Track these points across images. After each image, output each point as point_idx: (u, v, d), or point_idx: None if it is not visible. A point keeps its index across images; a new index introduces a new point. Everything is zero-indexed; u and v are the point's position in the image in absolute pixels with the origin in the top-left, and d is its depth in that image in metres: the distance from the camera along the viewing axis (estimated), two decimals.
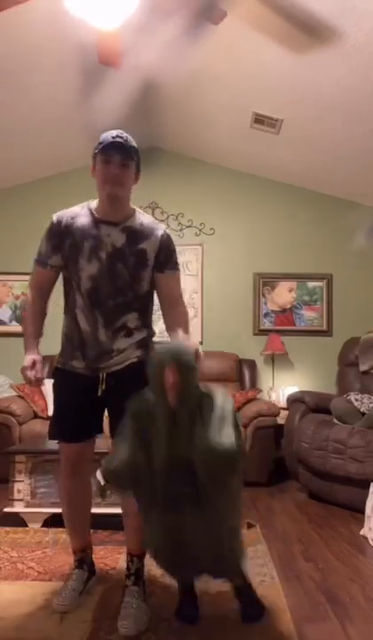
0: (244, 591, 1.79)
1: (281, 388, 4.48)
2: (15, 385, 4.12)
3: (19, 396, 3.96)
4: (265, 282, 4.76)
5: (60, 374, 2.03)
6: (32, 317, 2.08)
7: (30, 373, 2.01)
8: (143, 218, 1.93)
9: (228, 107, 3.81)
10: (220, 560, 1.61)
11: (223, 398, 1.61)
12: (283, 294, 4.75)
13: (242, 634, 1.66)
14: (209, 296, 4.75)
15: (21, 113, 3.77)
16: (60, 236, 1.88)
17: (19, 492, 2.75)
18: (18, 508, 2.74)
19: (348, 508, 3.04)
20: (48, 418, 3.85)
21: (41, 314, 2.08)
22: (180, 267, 2.00)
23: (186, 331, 1.85)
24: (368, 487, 2.72)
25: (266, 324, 4.72)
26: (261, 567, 2.19)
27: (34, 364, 2.01)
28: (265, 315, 4.74)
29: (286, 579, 2.09)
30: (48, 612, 1.79)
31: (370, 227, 4.41)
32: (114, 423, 1.81)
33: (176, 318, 1.91)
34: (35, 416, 3.90)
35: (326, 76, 3.17)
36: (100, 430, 1.96)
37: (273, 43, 2.90)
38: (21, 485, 2.75)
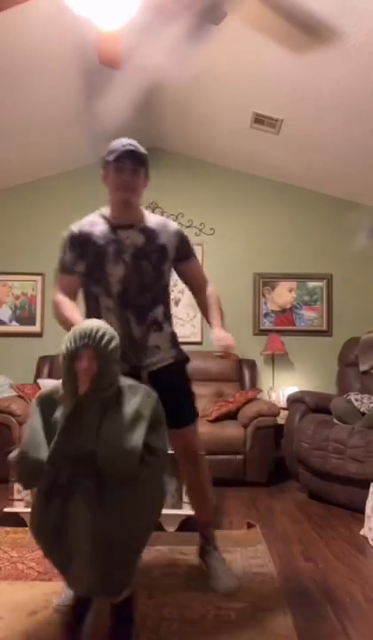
0: (124, 607, 1.54)
1: (281, 388, 4.48)
2: (15, 385, 4.12)
3: (19, 396, 3.96)
4: (265, 282, 4.76)
5: None
6: (70, 309, 1.89)
7: None
8: (153, 218, 2.05)
9: (228, 107, 3.81)
10: (112, 566, 1.41)
11: (143, 398, 1.49)
12: (283, 294, 4.75)
13: (242, 634, 1.66)
14: None
15: (21, 113, 3.77)
16: (82, 245, 1.93)
17: (19, 492, 2.75)
18: (18, 508, 2.74)
19: (348, 508, 3.04)
20: None
21: (77, 308, 1.94)
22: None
23: (219, 308, 2.05)
24: (368, 487, 2.72)
25: (266, 324, 4.72)
26: (261, 567, 2.19)
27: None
28: (265, 315, 4.74)
29: (286, 579, 2.09)
30: (48, 612, 1.79)
31: (370, 227, 4.41)
32: None
33: (209, 297, 2.09)
34: None
35: (326, 76, 3.17)
36: None
37: (273, 43, 2.90)
38: None
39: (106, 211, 1.99)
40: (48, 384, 4.13)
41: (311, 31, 2.74)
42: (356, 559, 2.34)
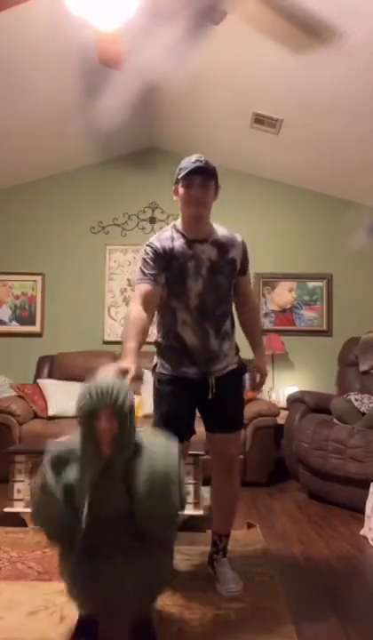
0: (146, 630, 1.59)
1: (281, 388, 4.48)
2: (15, 385, 4.12)
3: (19, 396, 3.96)
4: (265, 282, 4.76)
5: (172, 380, 2.02)
6: (136, 332, 1.86)
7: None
8: (221, 230, 2.13)
9: (228, 107, 3.81)
10: (141, 602, 1.54)
11: (167, 448, 1.47)
12: (283, 294, 4.75)
13: (242, 634, 1.66)
14: None
15: (21, 113, 3.77)
16: (166, 259, 1.98)
17: (19, 491, 2.75)
18: (18, 508, 2.74)
19: (348, 508, 3.04)
20: (48, 418, 3.85)
21: (144, 331, 1.91)
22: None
23: (260, 332, 2.21)
24: (368, 487, 2.72)
25: (266, 324, 4.72)
26: (261, 567, 2.19)
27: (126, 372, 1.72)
28: (265, 315, 4.74)
29: (286, 579, 2.09)
30: (48, 612, 1.79)
31: (370, 227, 4.41)
32: (211, 426, 2.08)
33: (252, 317, 2.23)
34: (35, 416, 3.90)
35: (326, 76, 3.17)
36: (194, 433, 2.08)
37: (273, 43, 2.90)
38: (21, 485, 2.75)
39: (179, 225, 2.06)
40: (48, 384, 4.14)
41: (311, 31, 2.74)
42: (356, 559, 2.34)
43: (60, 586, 1.94)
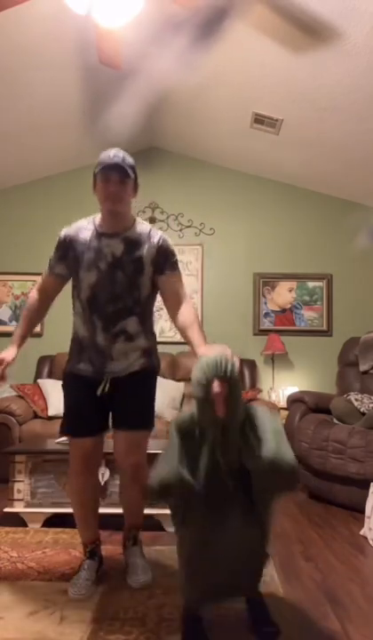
0: (259, 607, 1.72)
1: (281, 388, 4.48)
2: (15, 385, 4.12)
3: (19, 396, 3.96)
4: (265, 282, 4.76)
5: (69, 376, 2.10)
6: (25, 320, 2.17)
7: None
8: (142, 227, 2.05)
9: (228, 107, 3.81)
10: (253, 573, 1.67)
11: (270, 414, 1.65)
12: (283, 294, 4.75)
13: (242, 634, 1.66)
14: (209, 296, 4.75)
15: (21, 113, 3.78)
16: (65, 249, 2.05)
17: (19, 491, 2.75)
18: (18, 508, 2.74)
19: (348, 508, 3.04)
20: (48, 418, 3.85)
21: (36, 318, 2.20)
22: (181, 268, 2.09)
23: (199, 328, 1.94)
24: (368, 487, 2.72)
25: (266, 324, 4.72)
26: None
27: (1, 361, 2.03)
28: (265, 315, 4.74)
29: (286, 579, 2.09)
30: (48, 612, 1.79)
31: (370, 227, 4.41)
32: (115, 425, 2.03)
33: (186, 316, 1.98)
34: (35, 416, 3.90)
35: (326, 76, 3.17)
36: (106, 429, 2.07)
37: (273, 43, 2.90)
38: (21, 485, 2.75)
39: (98, 218, 2.05)
40: (48, 384, 4.14)
41: (311, 31, 2.74)
42: (356, 559, 2.34)
43: (60, 586, 1.96)
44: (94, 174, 1.96)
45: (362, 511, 2.70)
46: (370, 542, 2.52)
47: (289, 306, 4.74)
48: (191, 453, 1.56)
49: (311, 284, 4.74)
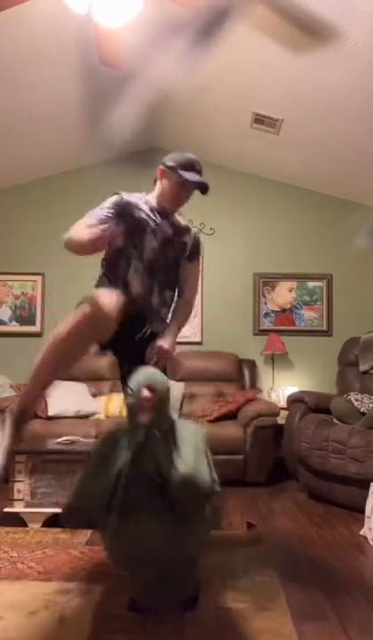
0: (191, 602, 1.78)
1: (281, 388, 4.48)
2: (15, 385, 4.12)
3: (19, 396, 3.95)
4: (265, 282, 4.76)
5: None
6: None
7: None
8: (179, 219, 2.29)
9: (228, 107, 3.81)
10: (183, 570, 1.70)
11: (195, 431, 1.77)
12: (283, 294, 4.75)
13: (242, 634, 1.66)
14: (209, 296, 4.75)
15: (21, 113, 3.78)
16: (122, 209, 2.10)
17: (19, 492, 2.75)
18: (18, 507, 2.74)
19: (348, 507, 3.04)
20: (48, 418, 3.85)
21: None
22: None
23: (178, 324, 2.21)
24: (368, 487, 2.72)
25: (266, 324, 4.72)
26: (261, 567, 2.19)
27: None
28: (265, 315, 4.74)
29: (286, 579, 2.09)
30: (48, 612, 1.79)
31: (370, 227, 4.41)
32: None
33: (178, 308, 2.24)
34: (36, 416, 3.90)
35: (326, 76, 3.17)
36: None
37: (273, 43, 2.90)
38: (21, 485, 2.75)
39: (149, 196, 2.21)
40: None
41: (311, 31, 2.74)
42: (356, 559, 2.34)
43: (60, 586, 1.96)
44: (172, 166, 2.13)
45: (362, 511, 2.70)
46: (370, 542, 2.52)
47: (289, 306, 4.74)
48: (114, 461, 1.67)
49: (311, 284, 4.74)
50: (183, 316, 2.26)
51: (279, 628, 1.68)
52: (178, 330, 2.23)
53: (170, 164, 2.14)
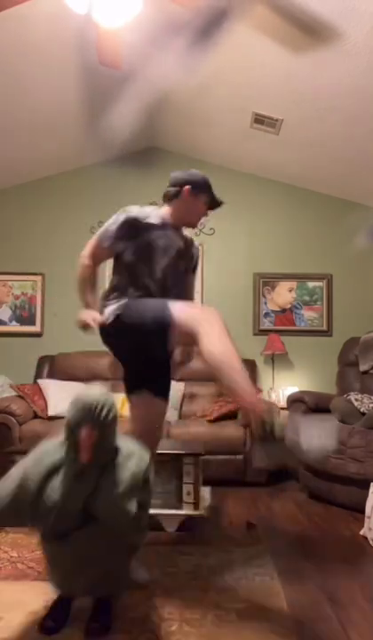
0: (101, 605, 1.73)
1: (281, 388, 4.48)
2: (15, 385, 4.12)
3: (19, 396, 3.96)
4: (265, 282, 4.76)
5: None
6: (87, 287, 2.24)
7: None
8: (185, 232, 2.34)
9: (228, 107, 3.81)
10: (105, 575, 1.67)
11: (137, 462, 1.64)
12: (283, 294, 4.75)
13: (242, 634, 1.66)
14: (209, 296, 4.75)
15: (21, 113, 3.77)
16: (132, 229, 2.14)
17: None
18: None
19: (348, 508, 3.03)
20: (48, 418, 3.85)
21: (95, 282, 2.29)
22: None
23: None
24: (368, 487, 2.72)
25: (266, 324, 4.72)
26: (261, 567, 2.19)
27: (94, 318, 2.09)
28: (265, 315, 4.74)
29: (286, 579, 2.09)
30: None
31: (370, 227, 4.41)
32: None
33: None
34: (35, 416, 3.90)
35: (326, 76, 3.17)
36: None
37: (273, 43, 2.90)
38: None
39: (162, 211, 2.25)
40: (48, 385, 4.14)
41: (311, 31, 2.74)
42: (356, 559, 2.34)
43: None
44: (199, 186, 2.26)
45: (362, 511, 2.70)
46: (370, 542, 2.52)
47: (289, 306, 4.74)
48: (40, 480, 1.58)
49: (311, 284, 4.74)
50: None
51: (279, 628, 1.68)
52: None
53: (198, 184, 2.26)
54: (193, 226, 2.30)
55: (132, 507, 1.56)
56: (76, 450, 1.55)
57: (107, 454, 1.60)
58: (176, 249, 2.20)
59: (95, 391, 1.62)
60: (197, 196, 2.23)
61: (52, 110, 3.81)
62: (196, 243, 2.42)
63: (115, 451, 1.64)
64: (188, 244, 2.31)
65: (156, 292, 2.13)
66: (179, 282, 2.24)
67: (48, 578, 1.74)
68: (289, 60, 3.05)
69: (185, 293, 2.30)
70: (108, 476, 1.58)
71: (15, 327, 4.74)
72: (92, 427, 1.53)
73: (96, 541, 1.58)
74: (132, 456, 1.64)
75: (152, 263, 2.15)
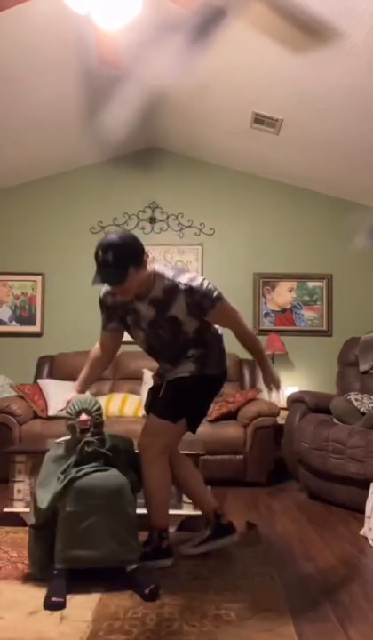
0: (138, 572, 1.97)
1: (280, 387, 4.48)
2: (15, 385, 4.12)
3: (19, 396, 3.96)
4: (265, 282, 4.76)
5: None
6: (87, 367, 2.38)
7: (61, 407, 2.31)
8: (163, 282, 2.05)
9: (228, 107, 3.81)
10: (125, 540, 1.98)
11: (126, 444, 2.23)
12: (283, 294, 4.75)
13: (242, 634, 1.66)
14: None
15: (21, 113, 3.77)
16: (107, 309, 2.21)
17: (19, 492, 2.75)
18: (18, 507, 2.74)
19: (348, 507, 3.04)
20: (48, 418, 3.85)
21: (97, 367, 2.39)
22: (202, 285, 2.06)
23: (256, 352, 2.31)
24: (368, 487, 2.72)
25: (266, 324, 4.72)
26: (261, 567, 2.19)
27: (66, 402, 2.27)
28: (265, 315, 4.74)
29: (286, 579, 2.09)
30: (48, 612, 1.79)
31: (370, 227, 4.41)
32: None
33: (243, 341, 2.27)
34: (35, 416, 3.90)
35: (326, 76, 3.17)
36: None
37: (273, 43, 2.90)
38: (21, 485, 2.75)
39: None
40: (48, 384, 4.14)
41: (311, 31, 2.74)
42: (356, 559, 2.34)
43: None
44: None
45: (362, 511, 2.70)
46: (370, 542, 2.52)
47: (289, 306, 4.74)
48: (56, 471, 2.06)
49: (311, 284, 4.74)
50: (250, 344, 2.27)
51: (279, 628, 1.68)
52: (261, 354, 2.31)
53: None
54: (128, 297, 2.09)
55: (129, 477, 2.06)
56: (78, 432, 2.09)
57: (98, 434, 2.11)
58: (147, 318, 2.11)
59: (87, 395, 2.28)
60: None
61: (52, 110, 3.81)
62: (181, 287, 2.03)
63: (109, 439, 2.17)
64: (162, 305, 2.06)
65: (151, 355, 2.30)
66: (169, 343, 2.16)
67: (56, 553, 1.96)
68: (289, 60, 3.05)
69: (189, 341, 2.16)
70: (103, 454, 2.10)
71: (15, 327, 4.74)
72: (88, 414, 2.10)
73: (100, 513, 1.95)
74: (117, 438, 2.20)
75: (134, 337, 2.24)
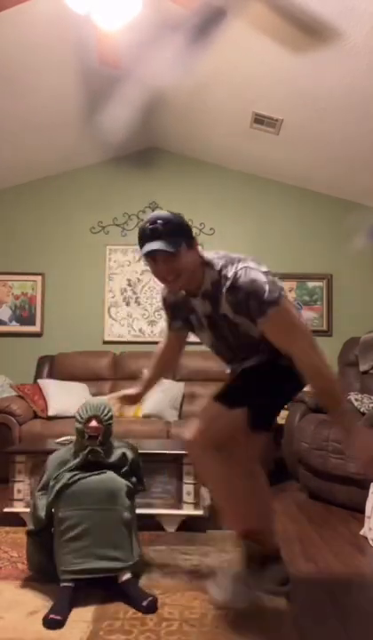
0: (132, 584, 1.89)
1: None
2: (15, 385, 4.12)
3: (19, 396, 3.96)
4: None
5: None
6: (152, 367, 2.22)
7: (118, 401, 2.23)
8: (212, 274, 1.74)
9: (228, 107, 3.81)
10: (119, 546, 1.93)
11: (126, 449, 2.20)
12: None
13: (242, 634, 1.66)
14: None
15: (21, 113, 3.77)
16: (170, 309, 2.05)
17: (19, 492, 2.75)
18: (18, 508, 2.74)
19: (348, 507, 3.03)
20: (48, 418, 3.85)
21: (163, 366, 2.26)
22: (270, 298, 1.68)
23: (327, 396, 1.89)
24: (368, 487, 2.72)
25: None
26: None
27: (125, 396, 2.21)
28: None
29: None
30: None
31: (370, 227, 4.41)
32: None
33: (313, 385, 1.92)
34: (35, 416, 3.90)
35: (326, 76, 3.17)
36: None
37: (273, 43, 2.90)
38: (21, 485, 2.75)
39: None
40: (48, 384, 4.14)
41: (311, 31, 2.74)
42: (356, 559, 2.34)
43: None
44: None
45: (362, 511, 2.70)
46: (370, 542, 2.52)
47: None
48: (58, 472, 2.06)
49: (311, 284, 4.74)
50: (315, 383, 1.88)
51: (279, 628, 1.68)
52: (337, 402, 1.88)
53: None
54: (177, 290, 1.85)
55: (122, 483, 2.05)
56: (86, 438, 2.07)
57: (107, 442, 2.11)
58: (206, 317, 1.82)
59: (100, 398, 2.22)
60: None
61: (52, 110, 3.81)
62: (228, 280, 1.69)
63: (116, 444, 2.19)
64: (214, 299, 1.74)
65: (230, 364, 1.99)
66: (236, 346, 1.85)
67: (57, 568, 1.90)
68: (289, 60, 3.05)
69: (255, 345, 1.80)
70: (110, 457, 2.12)
71: (15, 327, 4.74)
72: (99, 421, 2.07)
73: (100, 522, 1.93)
74: (123, 446, 2.20)
75: (200, 338, 1.97)
